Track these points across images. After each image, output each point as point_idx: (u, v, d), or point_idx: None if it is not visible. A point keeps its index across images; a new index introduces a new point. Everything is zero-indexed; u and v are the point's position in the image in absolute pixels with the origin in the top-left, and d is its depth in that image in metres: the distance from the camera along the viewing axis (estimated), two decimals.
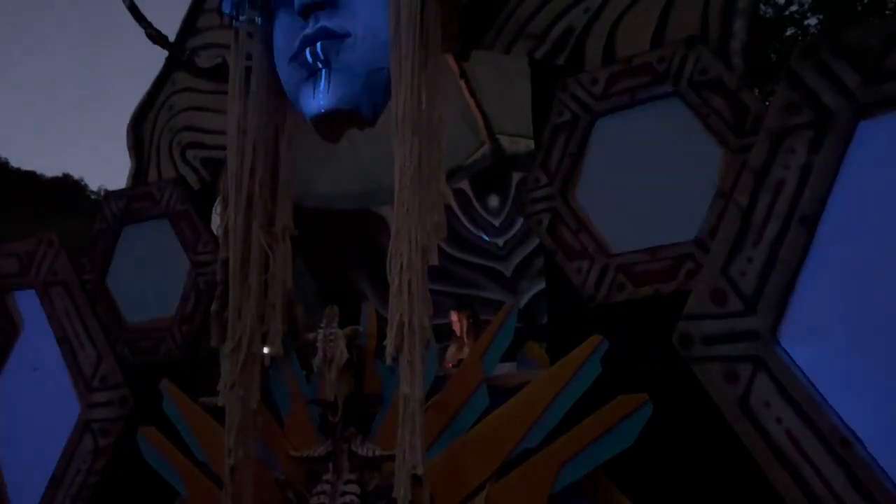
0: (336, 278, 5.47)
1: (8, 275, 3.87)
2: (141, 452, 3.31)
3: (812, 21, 11.10)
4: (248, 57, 3.26)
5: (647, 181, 2.71)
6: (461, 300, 5.09)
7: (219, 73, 3.78)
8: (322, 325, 2.99)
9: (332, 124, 3.04)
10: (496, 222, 5.64)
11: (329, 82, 2.93)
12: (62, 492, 3.46)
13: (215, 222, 3.72)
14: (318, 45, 2.91)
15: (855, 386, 2.21)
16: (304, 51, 2.94)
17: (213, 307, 3.14)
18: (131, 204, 3.83)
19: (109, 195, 3.94)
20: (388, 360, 2.60)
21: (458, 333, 4.67)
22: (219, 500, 2.88)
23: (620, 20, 2.92)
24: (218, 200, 3.57)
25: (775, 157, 2.40)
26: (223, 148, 3.34)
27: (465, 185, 5.61)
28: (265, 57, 3.23)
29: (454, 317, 4.71)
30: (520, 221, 5.41)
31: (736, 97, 2.57)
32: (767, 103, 2.47)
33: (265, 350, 3.12)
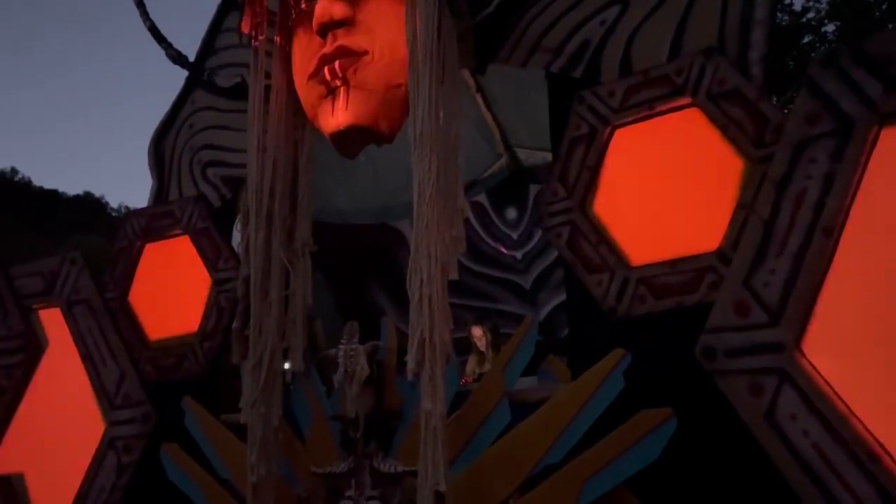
0: (354, 293, 5.49)
1: (33, 294, 3.92)
2: (164, 469, 3.33)
3: (829, 28, 11.03)
4: (268, 76, 3.31)
5: (667, 193, 2.69)
6: (481, 314, 5.08)
7: (238, 91, 3.83)
8: (342, 340, 2.99)
9: (350, 141, 3.06)
10: (514, 235, 5.64)
11: (347, 99, 2.95)
12: None
13: (236, 239, 3.75)
14: (337, 63, 2.94)
15: (883, 398, 2.17)
16: (323, 69, 2.97)
17: (235, 324, 3.17)
18: (152, 222, 3.87)
19: (131, 214, 3.98)
20: (410, 376, 2.60)
21: (480, 348, 4.65)
22: None
23: (637, 32, 2.92)
24: (238, 218, 3.60)
25: (796, 167, 2.38)
26: (243, 166, 3.37)
27: (482, 198, 5.62)
28: (284, 75, 3.27)
29: (477, 332, 4.69)
30: (538, 233, 5.41)
31: (755, 107, 2.56)
32: (787, 112, 2.45)
33: (286, 366, 3.14)
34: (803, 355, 2.28)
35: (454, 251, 2.74)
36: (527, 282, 5.54)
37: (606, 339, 2.63)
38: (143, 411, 3.52)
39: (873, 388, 2.20)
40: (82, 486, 3.52)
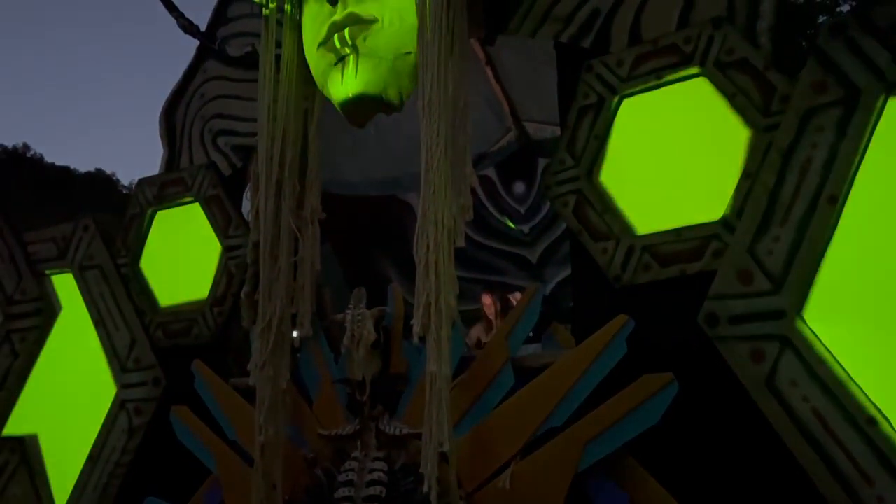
0: (363, 264, 5.53)
1: (46, 259, 3.99)
2: (174, 431, 3.40)
3: (844, 8, 10.89)
4: (278, 45, 3.32)
5: (673, 162, 2.70)
6: (487, 287, 5.11)
7: (249, 61, 3.85)
8: (350, 306, 3.04)
9: (359, 109, 3.08)
10: (522, 209, 5.65)
11: (357, 67, 2.97)
12: (99, 468, 3.57)
13: (246, 207, 3.79)
14: (346, 30, 2.95)
15: (881, 364, 2.20)
16: (333, 36, 2.98)
17: (244, 289, 3.22)
18: (164, 189, 3.91)
19: (143, 181, 4.02)
20: (415, 339, 2.64)
21: (490, 317, 4.69)
22: (249, 478, 2.94)
23: (647, 1, 2.91)
24: (248, 186, 3.63)
25: (802, 135, 2.39)
26: (253, 135, 3.41)
27: (491, 172, 5.63)
28: (294, 44, 3.29)
29: (487, 300, 4.72)
30: (545, 208, 5.42)
31: (763, 77, 2.56)
32: (795, 82, 2.45)
33: (294, 332, 3.19)
34: (805, 322, 2.31)
35: (461, 219, 2.77)
36: (533, 255, 5.56)
37: (610, 306, 2.66)
38: (153, 375, 3.58)
39: (873, 354, 2.22)
40: (94, 446, 3.60)
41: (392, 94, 3.04)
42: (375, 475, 2.80)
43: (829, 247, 2.32)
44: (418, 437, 2.66)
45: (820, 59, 2.39)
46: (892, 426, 2.13)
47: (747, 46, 2.62)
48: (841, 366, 2.23)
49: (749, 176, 2.51)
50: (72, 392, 3.76)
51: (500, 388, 2.75)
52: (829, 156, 2.34)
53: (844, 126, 2.34)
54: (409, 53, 2.96)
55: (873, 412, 2.15)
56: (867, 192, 2.29)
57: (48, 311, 3.90)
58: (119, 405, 3.62)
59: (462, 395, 2.76)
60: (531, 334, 2.95)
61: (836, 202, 2.31)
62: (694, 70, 2.70)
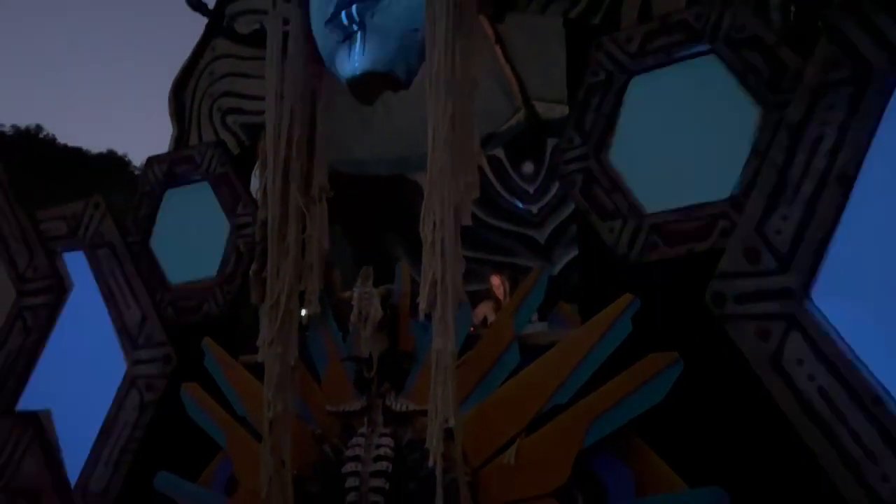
0: (371, 244, 5.54)
1: (57, 237, 4.02)
2: (184, 407, 3.43)
3: None
4: (286, 22, 3.31)
5: (682, 140, 2.69)
6: (497, 266, 5.10)
7: (257, 38, 3.83)
8: (357, 284, 3.05)
9: (367, 87, 3.07)
10: (531, 189, 5.63)
11: (364, 44, 2.96)
12: (110, 444, 3.62)
13: (254, 186, 3.80)
14: (354, 7, 2.93)
15: (888, 343, 2.19)
16: (340, 13, 2.97)
17: (253, 267, 3.23)
18: (173, 167, 3.93)
19: (152, 160, 4.04)
20: (421, 316, 2.65)
21: (499, 297, 4.69)
22: (258, 453, 2.98)
23: None
24: (257, 164, 3.64)
25: (813, 113, 2.37)
26: (262, 113, 3.40)
27: (499, 152, 5.60)
28: (302, 21, 3.27)
29: (496, 280, 4.72)
30: (554, 188, 5.40)
31: (774, 53, 2.53)
32: (806, 59, 2.43)
33: (302, 310, 3.20)
34: (812, 301, 2.30)
35: (468, 196, 2.76)
36: (542, 236, 5.54)
37: (617, 285, 2.66)
38: (164, 352, 3.62)
39: (881, 334, 2.22)
40: (106, 422, 3.65)
41: (400, 72, 3.02)
42: (382, 451, 2.83)
43: (837, 226, 2.30)
44: (425, 413, 2.68)
45: (832, 36, 2.37)
46: None
47: (758, 23, 2.59)
48: (848, 345, 2.22)
49: (758, 154, 2.49)
50: (83, 368, 3.80)
51: (505, 365, 2.76)
52: (840, 134, 2.32)
53: (856, 104, 2.31)
54: (417, 30, 2.94)
55: (879, 391, 2.15)
56: (877, 171, 2.27)
57: (59, 288, 3.93)
58: (130, 381, 3.66)
59: (468, 373, 2.77)
60: (537, 314, 2.96)
61: (846, 181, 2.29)
62: (704, 47, 2.67)
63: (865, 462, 2.13)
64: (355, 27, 2.96)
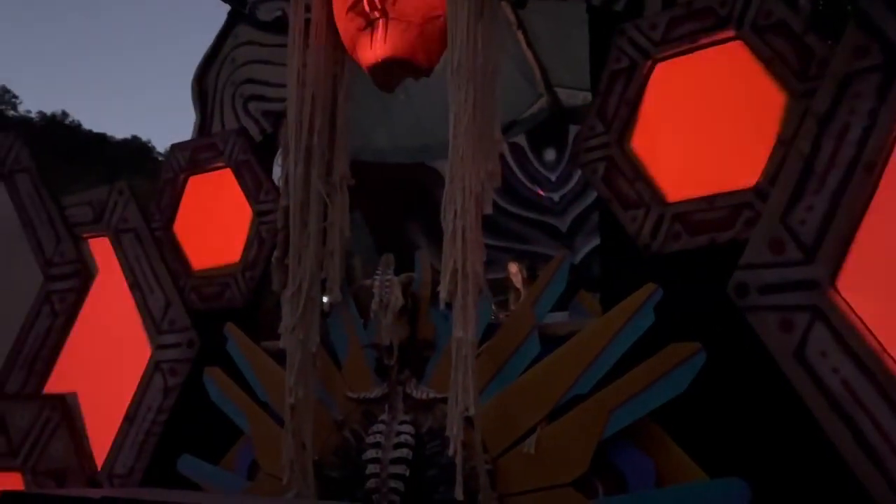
0: (392, 232, 5.55)
1: (82, 223, 4.08)
2: (207, 392, 3.48)
3: None
4: (307, 9, 3.31)
5: (706, 128, 2.65)
6: (517, 255, 5.10)
7: (279, 25, 3.84)
8: (378, 271, 3.06)
9: (388, 73, 3.06)
10: (552, 177, 5.60)
11: (386, 31, 2.95)
12: (136, 427, 3.68)
13: (276, 173, 3.82)
14: None
15: None
16: (362, 0, 2.96)
17: (275, 254, 3.25)
18: (196, 154, 3.96)
19: (175, 147, 4.07)
20: (442, 305, 2.66)
21: (517, 285, 4.69)
22: (280, 438, 3.01)
23: None
24: (279, 152, 3.66)
25: (840, 101, 2.33)
26: (284, 100, 3.41)
27: (521, 139, 5.58)
28: (324, 8, 3.27)
29: (513, 268, 4.72)
30: (576, 176, 5.38)
31: (801, 41, 2.49)
32: (834, 46, 2.38)
33: (324, 299, 3.22)
34: (837, 292, 2.27)
35: (489, 185, 2.75)
36: (563, 224, 5.52)
37: (639, 274, 2.64)
38: (187, 337, 3.67)
39: None
40: (131, 405, 3.71)
41: (421, 59, 3.02)
42: (402, 438, 2.85)
43: (864, 216, 2.27)
44: (445, 401, 2.70)
45: (861, 22, 2.32)
46: None
47: (785, 9, 2.54)
48: (875, 336, 2.19)
49: (784, 143, 2.45)
50: (109, 352, 3.86)
51: (525, 354, 2.75)
52: (868, 123, 2.27)
53: (884, 92, 2.26)
54: (439, 17, 2.93)
55: None
56: None
57: (85, 273, 3.99)
58: (154, 366, 3.71)
59: (488, 362, 2.77)
60: (558, 303, 2.95)
61: (873, 170, 2.26)
62: (729, 33, 2.63)
63: (889, 455, 2.10)
64: (377, 14, 2.95)
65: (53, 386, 3.95)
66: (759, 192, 2.49)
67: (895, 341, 2.18)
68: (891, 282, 2.24)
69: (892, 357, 2.17)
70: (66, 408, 3.87)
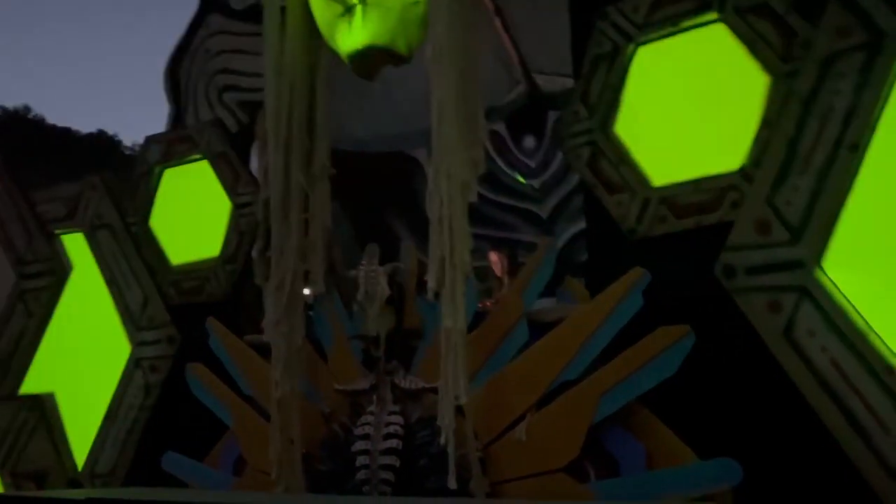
0: (373, 222, 5.51)
1: (55, 219, 3.98)
2: (189, 388, 3.42)
3: None
4: None
5: (691, 111, 2.66)
6: (498, 243, 5.07)
7: (253, 14, 3.77)
8: (363, 262, 3.02)
9: (367, 61, 3.00)
10: (532, 163, 5.60)
11: (364, 18, 2.90)
12: (117, 426, 3.62)
13: (254, 164, 3.76)
14: None
15: None
16: None
17: (256, 247, 3.19)
18: (171, 147, 3.88)
19: (150, 139, 3.99)
20: (430, 295, 2.63)
21: (498, 274, 4.67)
22: (266, 432, 2.97)
23: None
24: (256, 142, 3.60)
25: (824, 82, 2.34)
26: (260, 90, 3.34)
27: (500, 126, 5.56)
28: None
29: (493, 257, 4.69)
30: (556, 162, 5.37)
31: (784, 22, 2.49)
32: (816, 26, 2.39)
33: (307, 291, 3.18)
34: (824, 272, 2.29)
35: (474, 172, 2.72)
36: (544, 210, 5.52)
37: (626, 259, 2.64)
38: (167, 333, 3.61)
39: (894, 303, 2.21)
40: (111, 404, 3.65)
41: (401, 46, 2.96)
42: (392, 428, 2.82)
43: (849, 196, 2.28)
44: (433, 391, 2.67)
45: (844, 2, 2.33)
46: None
47: None
48: (861, 315, 2.21)
49: (768, 124, 2.46)
50: (87, 351, 3.79)
51: (514, 342, 2.74)
52: (851, 103, 2.29)
53: (867, 72, 2.28)
54: (418, 3, 2.88)
55: (893, 361, 2.15)
56: (889, 140, 2.25)
57: (59, 270, 3.91)
58: (134, 363, 3.66)
59: (477, 350, 2.75)
60: (545, 289, 2.94)
61: (857, 150, 2.27)
62: (712, 16, 2.63)
63: (878, 432, 2.13)
64: (355, 0, 2.90)
65: (30, 386, 3.87)
66: (745, 173, 2.50)
67: (881, 318, 2.21)
68: (876, 260, 2.27)
69: (878, 335, 2.20)
70: (44, 408, 3.80)
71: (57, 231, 3.98)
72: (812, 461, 2.28)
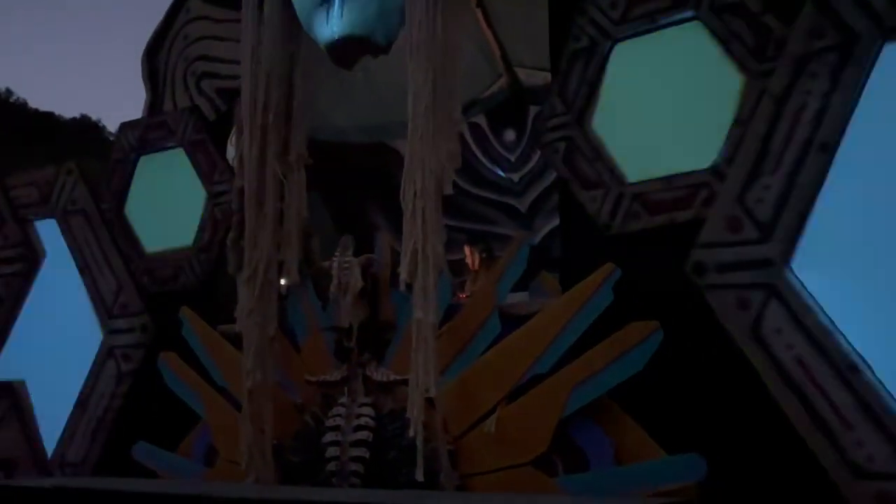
0: (352, 213, 5.49)
1: (28, 204, 3.93)
2: (162, 377, 3.40)
3: None
4: None
5: (665, 108, 2.66)
6: (474, 235, 5.08)
7: (233, 0, 3.73)
8: (337, 253, 3.02)
9: (346, 51, 2.99)
10: (512, 157, 5.59)
11: (343, 7, 2.88)
12: (88, 414, 3.59)
13: (230, 153, 3.73)
14: None
15: (865, 313, 2.21)
16: None
17: (230, 236, 3.18)
18: (147, 134, 3.84)
19: (126, 125, 3.94)
20: (402, 286, 2.63)
21: (471, 267, 4.68)
22: (237, 422, 2.96)
23: None
24: (233, 130, 3.56)
25: (797, 81, 2.35)
26: (238, 77, 3.32)
27: (480, 119, 5.55)
28: None
29: (467, 250, 4.71)
30: (536, 156, 5.37)
31: (759, 21, 2.50)
32: (791, 26, 2.40)
33: (282, 281, 3.17)
34: (792, 271, 2.30)
35: (449, 165, 2.72)
36: (523, 205, 5.52)
37: (598, 254, 2.65)
38: (141, 321, 3.58)
39: (859, 303, 2.23)
40: (83, 392, 3.62)
41: (379, 36, 2.95)
42: (363, 420, 2.82)
43: (819, 195, 2.30)
44: (405, 383, 2.68)
45: (818, 3, 2.34)
46: (873, 373, 2.15)
47: None
48: (826, 314, 2.23)
49: (741, 123, 2.47)
50: (59, 338, 3.75)
51: (486, 335, 2.75)
52: (823, 103, 2.30)
53: (839, 72, 2.29)
54: None
55: (856, 360, 2.17)
56: (860, 141, 2.27)
57: (31, 256, 3.86)
58: (107, 351, 3.62)
59: (449, 343, 2.76)
60: (519, 283, 2.95)
61: (828, 150, 2.29)
62: (688, 14, 2.63)
63: (841, 429, 2.16)
64: None
65: (0, 373, 3.82)
66: (717, 171, 2.51)
67: (846, 318, 2.23)
68: (842, 260, 2.29)
69: (842, 334, 2.22)
70: (14, 395, 3.76)
71: (30, 216, 3.93)
72: (777, 458, 2.30)
